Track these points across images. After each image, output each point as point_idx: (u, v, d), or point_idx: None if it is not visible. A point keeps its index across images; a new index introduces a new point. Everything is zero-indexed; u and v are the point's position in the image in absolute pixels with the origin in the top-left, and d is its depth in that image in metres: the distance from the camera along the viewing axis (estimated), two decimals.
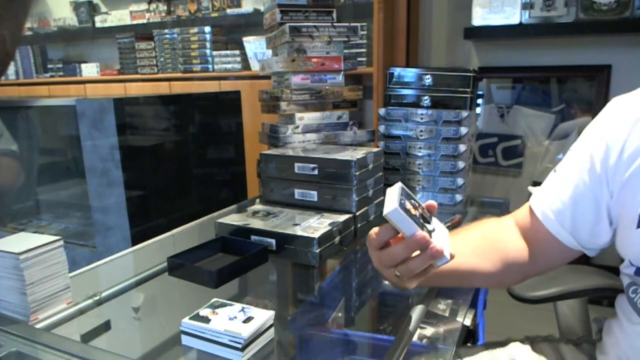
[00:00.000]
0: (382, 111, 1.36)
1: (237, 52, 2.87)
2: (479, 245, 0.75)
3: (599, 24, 2.02)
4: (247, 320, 0.64)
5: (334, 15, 1.34)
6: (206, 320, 0.65)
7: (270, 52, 1.49)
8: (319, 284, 0.92)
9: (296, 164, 1.09)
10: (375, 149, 1.17)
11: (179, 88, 2.98)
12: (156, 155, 1.62)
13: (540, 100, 2.37)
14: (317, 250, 0.89)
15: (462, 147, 1.27)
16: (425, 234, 0.58)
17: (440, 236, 0.62)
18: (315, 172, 1.07)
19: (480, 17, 2.16)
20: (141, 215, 1.52)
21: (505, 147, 2.42)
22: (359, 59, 2.42)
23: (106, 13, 3.40)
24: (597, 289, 0.92)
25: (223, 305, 0.69)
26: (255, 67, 2.80)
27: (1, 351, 0.64)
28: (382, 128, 1.36)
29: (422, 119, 1.31)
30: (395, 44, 2.34)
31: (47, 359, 0.63)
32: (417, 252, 0.59)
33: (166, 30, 3.08)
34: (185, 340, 0.65)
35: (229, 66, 2.89)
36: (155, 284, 0.90)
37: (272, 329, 0.66)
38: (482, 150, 2.46)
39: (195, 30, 2.95)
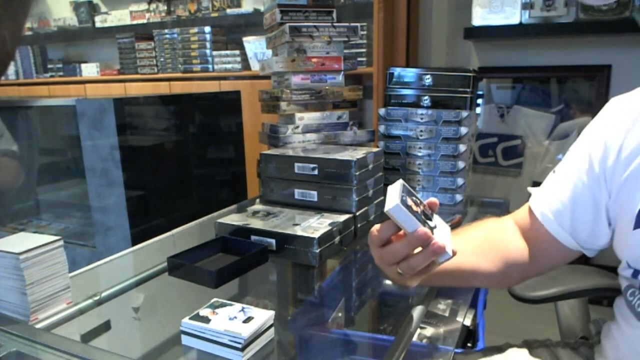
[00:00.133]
0: (382, 111, 1.36)
1: (237, 52, 2.87)
2: (479, 245, 0.75)
3: (599, 24, 2.02)
4: (247, 320, 0.64)
5: (334, 15, 1.34)
6: (206, 320, 0.65)
7: (270, 52, 1.49)
8: (319, 284, 0.92)
9: (296, 164, 1.09)
10: (375, 149, 1.17)
11: (179, 88, 2.98)
12: (156, 155, 1.62)
13: (540, 100, 2.37)
14: (317, 250, 0.89)
15: (462, 147, 1.27)
16: (427, 230, 0.57)
17: (442, 233, 0.62)
18: (315, 172, 1.07)
19: (480, 17, 2.17)
20: (141, 215, 1.52)
21: (505, 147, 2.43)
22: (359, 59, 2.42)
23: (106, 13, 3.40)
24: (597, 289, 0.92)
25: (223, 305, 0.69)
26: (255, 67, 2.80)
27: (1, 351, 0.64)
28: (382, 128, 1.36)
29: (422, 119, 1.31)
30: (395, 44, 2.34)
31: (47, 359, 0.63)
32: (419, 249, 0.59)
33: (166, 30, 3.08)
34: (185, 340, 0.65)
35: (229, 66, 2.89)
36: (155, 284, 0.90)
37: (272, 329, 0.66)
38: (482, 150, 2.46)
39: (195, 30, 2.95)
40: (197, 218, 1.22)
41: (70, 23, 3.52)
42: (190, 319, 0.65)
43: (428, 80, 1.32)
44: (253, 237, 0.97)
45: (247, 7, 2.95)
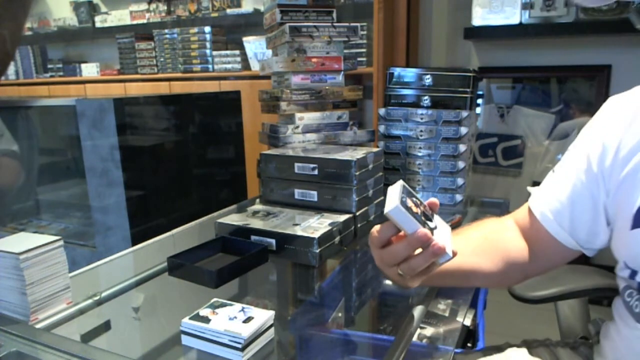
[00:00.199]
0: (382, 111, 1.36)
1: (237, 52, 2.87)
2: (479, 245, 0.75)
3: (599, 24, 2.02)
4: (247, 320, 0.64)
5: (334, 15, 1.34)
6: (206, 320, 0.65)
7: (270, 52, 1.49)
8: (319, 284, 0.92)
9: (296, 164, 1.09)
10: (375, 149, 1.17)
11: (179, 88, 2.98)
12: (156, 155, 1.62)
13: (540, 100, 2.37)
14: (317, 250, 0.89)
15: (462, 147, 1.27)
16: (427, 231, 0.57)
17: (442, 233, 0.62)
18: (315, 172, 1.07)
19: (480, 17, 2.17)
20: (141, 215, 1.52)
21: (505, 147, 2.43)
22: (359, 59, 2.42)
23: (106, 13, 3.40)
24: (597, 289, 0.92)
25: (223, 305, 0.69)
26: (255, 67, 2.80)
27: (1, 351, 0.64)
28: (382, 128, 1.36)
29: (422, 119, 1.31)
30: (395, 44, 2.34)
31: (47, 359, 0.63)
32: (419, 250, 0.59)
33: (166, 30, 3.08)
34: (185, 340, 0.65)
35: (229, 66, 2.89)
36: (155, 284, 0.90)
37: (272, 329, 0.66)
38: (482, 150, 2.46)
39: (195, 30, 2.95)
40: (197, 218, 1.22)
41: (70, 23, 3.52)
42: (190, 319, 0.65)
43: (428, 80, 1.32)
44: (253, 237, 0.97)
45: (247, 7, 2.95)
